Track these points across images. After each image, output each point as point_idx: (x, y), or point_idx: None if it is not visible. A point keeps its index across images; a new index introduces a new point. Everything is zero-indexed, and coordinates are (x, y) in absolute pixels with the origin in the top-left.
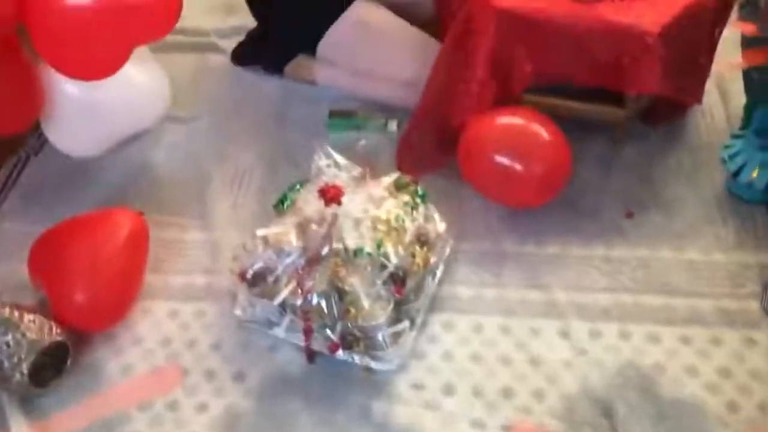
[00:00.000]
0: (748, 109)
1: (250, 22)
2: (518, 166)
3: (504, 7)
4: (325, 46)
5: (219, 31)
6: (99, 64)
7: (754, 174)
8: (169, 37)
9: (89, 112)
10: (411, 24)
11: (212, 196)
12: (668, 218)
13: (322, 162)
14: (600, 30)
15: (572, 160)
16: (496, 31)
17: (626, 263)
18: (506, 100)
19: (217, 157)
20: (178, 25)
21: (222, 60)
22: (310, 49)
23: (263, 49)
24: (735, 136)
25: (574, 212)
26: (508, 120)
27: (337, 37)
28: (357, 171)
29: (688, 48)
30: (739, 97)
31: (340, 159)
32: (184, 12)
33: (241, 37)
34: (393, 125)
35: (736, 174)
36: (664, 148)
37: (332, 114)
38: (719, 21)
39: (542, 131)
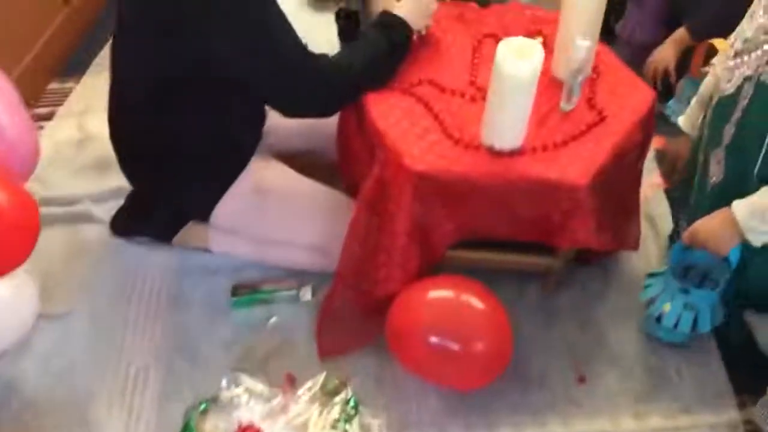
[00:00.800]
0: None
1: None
2: (456, 346)
3: (421, 171)
4: (219, 214)
5: (92, 196)
6: None
7: (678, 318)
8: None
9: None
10: (310, 173)
11: (99, 415)
12: (621, 379)
13: (232, 391)
14: (524, 187)
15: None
16: (415, 196)
17: None
18: (429, 260)
19: (103, 360)
20: (43, 194)
21: (99, 231)
22: (202, 216)
23: (147, 216)
24: (652, 275)
25: (522, 381)
26: (438, 294)
27: (233, 203)
28: (276, 399)
29: (619, 192)
30: (666, 221)
31: (252, 384)
32: (49, 177)
33: (120, 202)
34: (306, 294)
35: (659, 318)
36: (601, 290)
37: (235, 290)
38: (642, 154)
39: (477, 302)
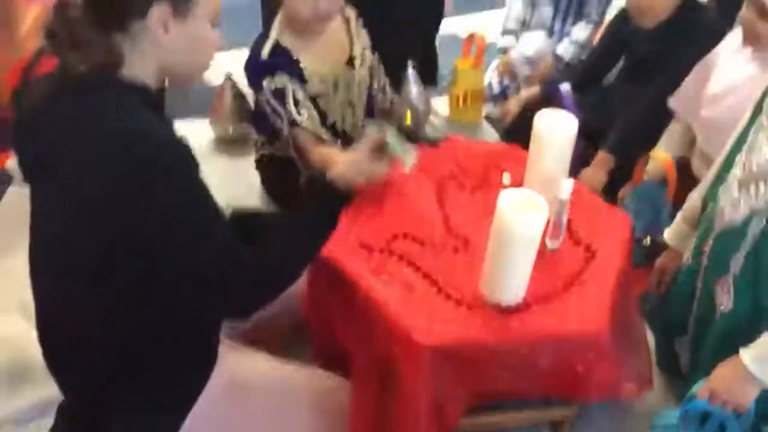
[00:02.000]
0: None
1: (55, 392)
2: None
3: (435, 345)
4: (191, 423)
5: (10, 417)
6: None
7: None
8: None
9: None
10: (275, 345)
11: None
12: None
13: None
14: (544, 345)
15: None
16: (432, 371)
17: None
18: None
19: None
20: None
21: None
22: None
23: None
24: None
25: None
26: None
27: (206, 409)
28: None
29: (628, 325)
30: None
31: None
32: None
33: (49, 420)
34: None
35: None
36: (615, 426)
37: None
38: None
39: None
